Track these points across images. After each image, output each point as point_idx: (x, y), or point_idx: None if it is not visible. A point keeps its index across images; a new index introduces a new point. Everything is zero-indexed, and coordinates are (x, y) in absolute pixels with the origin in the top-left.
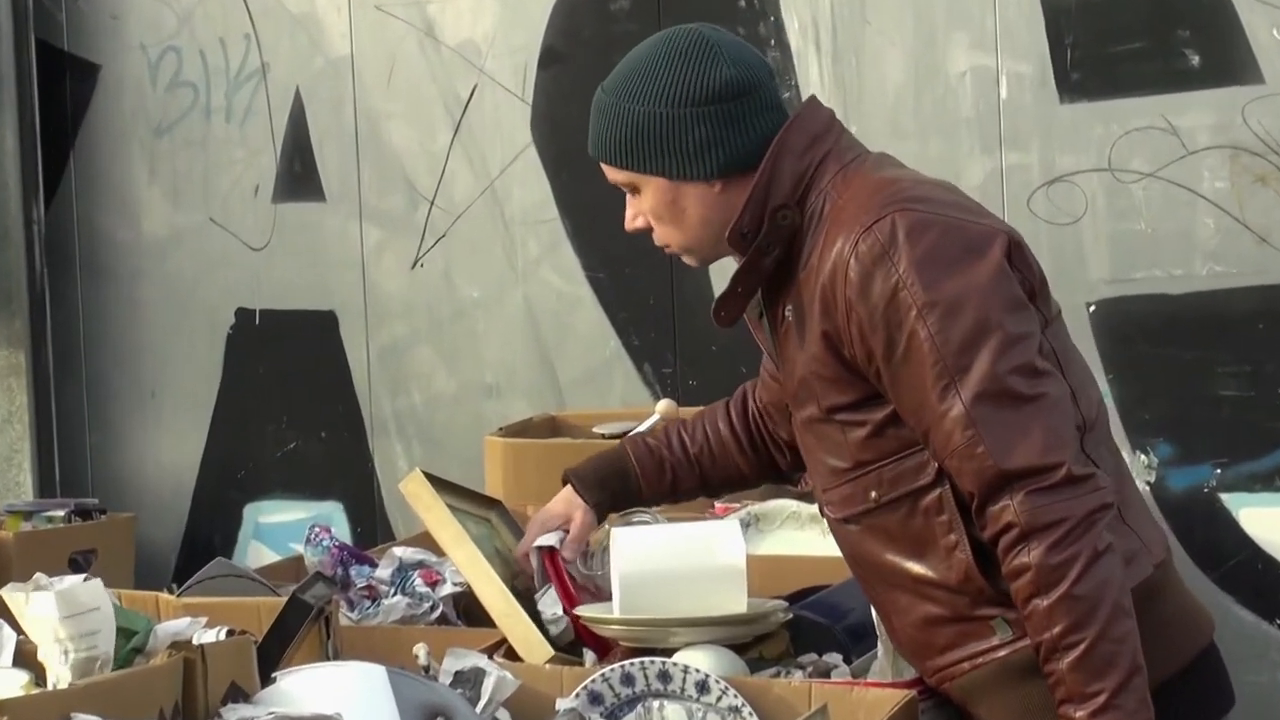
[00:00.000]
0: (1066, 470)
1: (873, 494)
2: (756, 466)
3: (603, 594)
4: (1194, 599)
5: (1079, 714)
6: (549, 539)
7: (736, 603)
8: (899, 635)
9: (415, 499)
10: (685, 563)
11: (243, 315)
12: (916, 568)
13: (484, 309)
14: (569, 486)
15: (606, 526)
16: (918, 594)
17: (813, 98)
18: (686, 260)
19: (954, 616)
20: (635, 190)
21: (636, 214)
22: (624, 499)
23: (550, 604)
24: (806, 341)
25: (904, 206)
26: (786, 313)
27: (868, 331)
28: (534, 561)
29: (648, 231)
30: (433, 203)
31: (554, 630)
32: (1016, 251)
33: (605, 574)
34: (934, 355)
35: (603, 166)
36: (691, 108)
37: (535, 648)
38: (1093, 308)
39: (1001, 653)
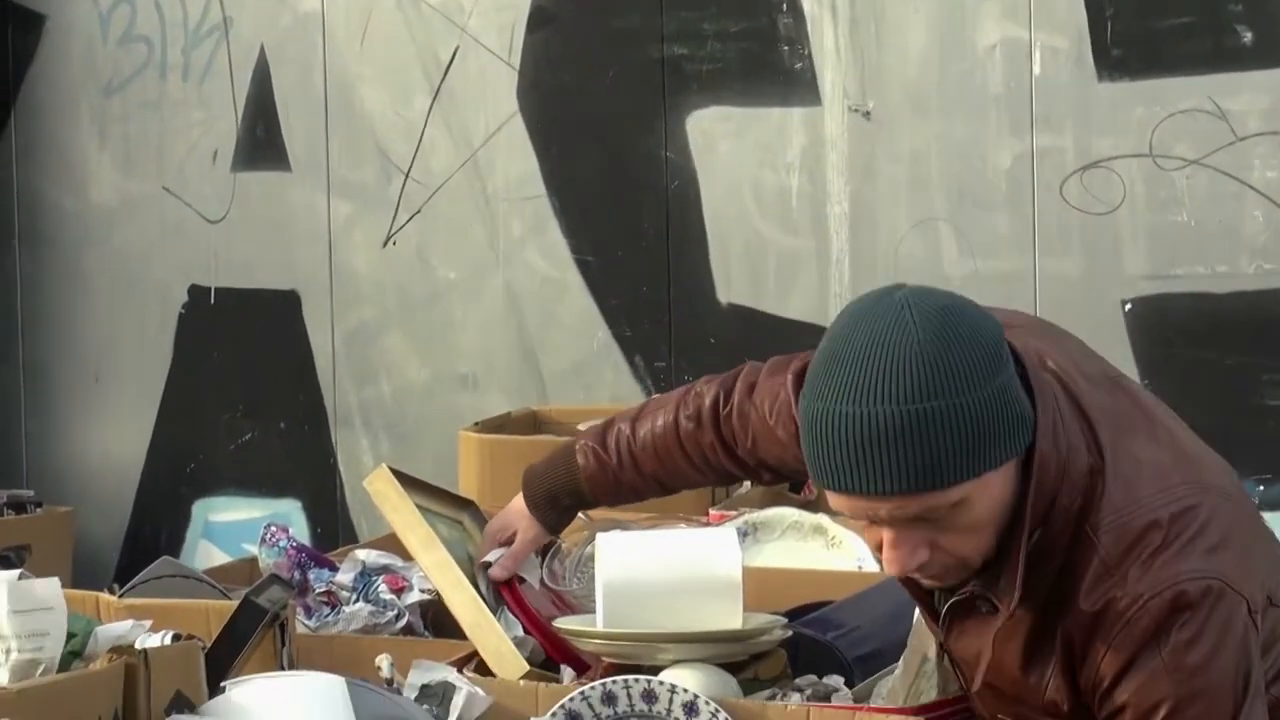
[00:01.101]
0: None
1: None
2: (717, 480)
3: (573, 610)
4: None
5: None
6: (494, 556)
7: (730, 618)
8: None
9: (381, 498)
10: (676, 574)
11: (197, 293)
12: None
13: (461, 293)
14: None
15: (587, 533)
16: None
17: (1038, 375)
18: (951, 579)
19: None
20: (958, 506)
21: (922, 542)
22: (578, 509)
23: (511, 624)
24: (1035, 662)
25: (1178, 578)
26: (980, 605)
27: (1113, 709)
28: (481, 582)
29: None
30: (408, 175)
31: (521, 652)
32: (1255, 611)
33: (581, 588)
34: None
35: (908, 505)
36: (1005, 371)
37: (509, 662)
38: (1129, 306)
39: None
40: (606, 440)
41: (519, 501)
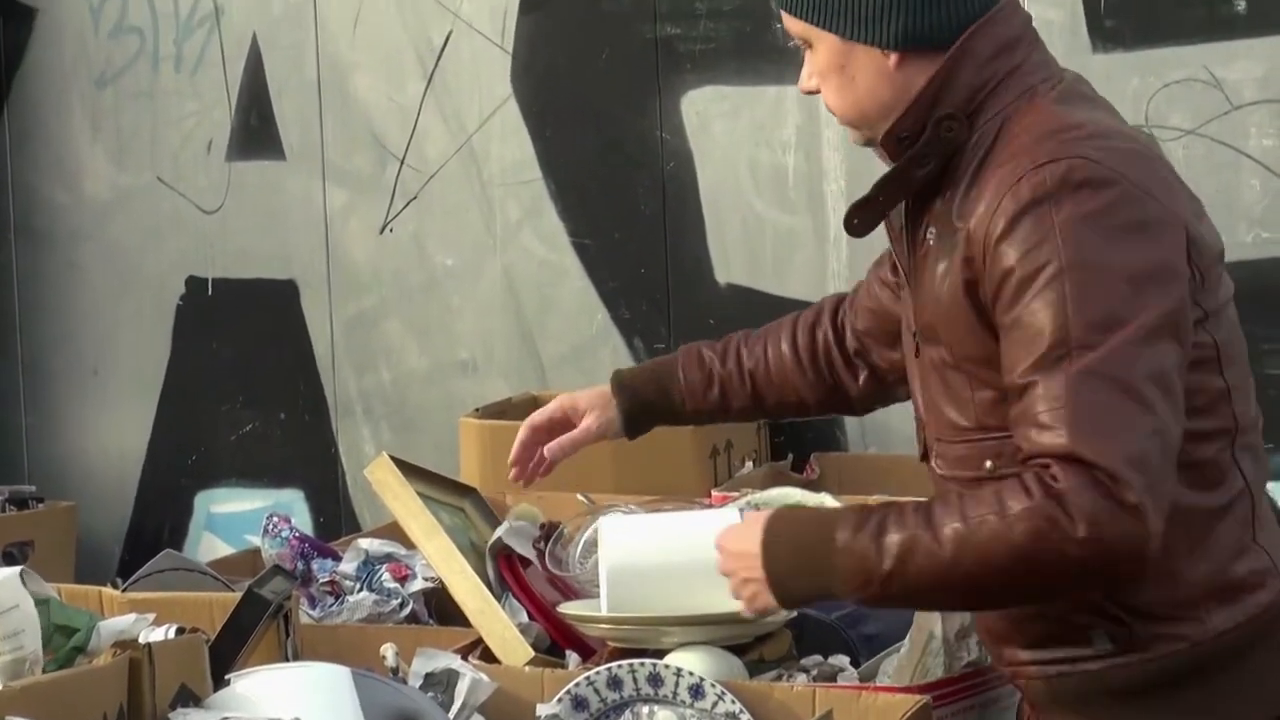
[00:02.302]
0: (1138, 500)
1: (988, 463)
2: (819, 392)
3: (577, 594)
4: None
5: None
6: (514, 540)
7: (733, 600)
8: (984, 616)
9: (382, 486)
10: (680, 556)
11: (194, 284)
12: None
13: (459, 278)
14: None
15: (589, 517)
16: None
17: (1012, 0)
18: (850, 137)
19: (1050, 614)
20: (809, 45)
21: (811, 73)
22: (660, 414)
23: (515, 610)
24: (946, 276)
25: (1085, 155)
26: (928, 235)
27: (1000, 274)
28: (489, 568)
29: (818, 94)
30: (403, 161)
31: (526, 639)
32: (1193, 247)
33: (584, 574)
34: (1059, 320)
35: (782, 15)
36: None
37: (514, 648)
38: None
39: (1093, 666)
40: (715, 343)
41: (598, 389)
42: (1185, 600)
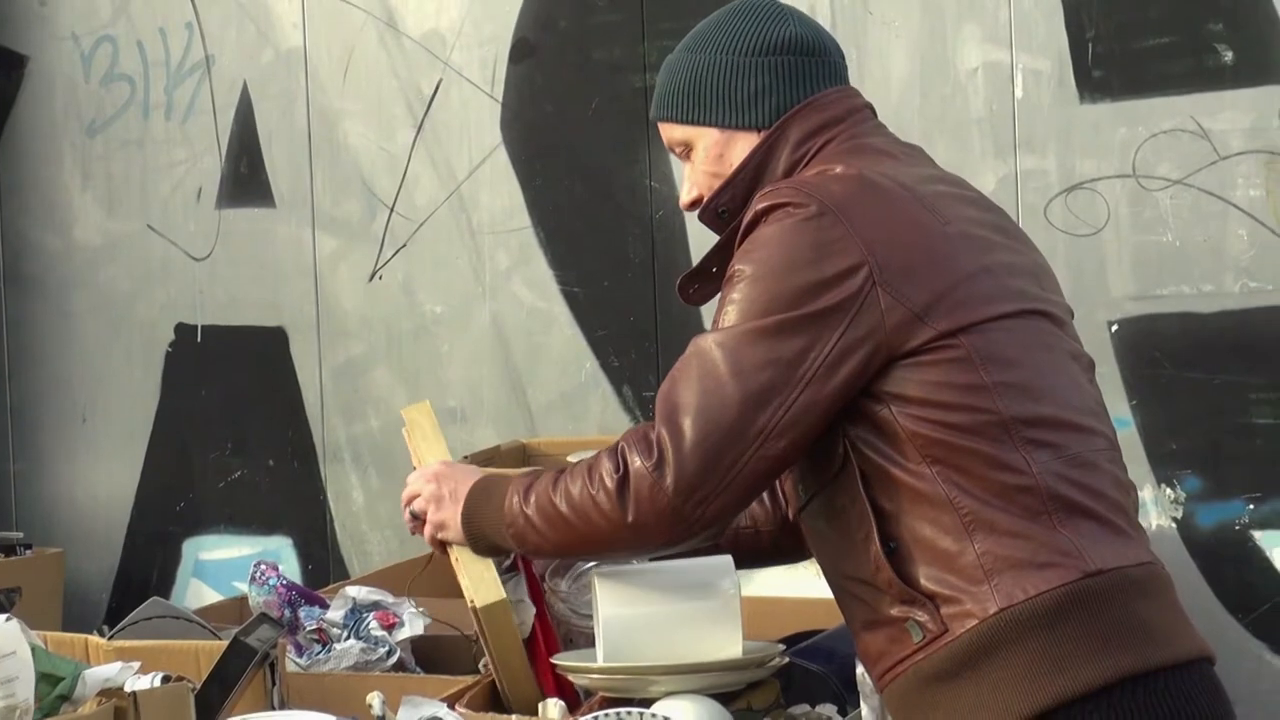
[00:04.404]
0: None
1: (800, 488)
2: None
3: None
4: (1169, 621)
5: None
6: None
7: (729, 647)
8: (859, 649)
9: (414, 425)
10: (672, 604)
11: (183, 331)
12: (845, 566)
13: (448, 326)
14: None
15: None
16: (853, 595)
17: (848, 86)
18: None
19: (879, 619)
20: (689, 152)
21: (691, 185)
22: None
23: (513, 590)
24: None
25: (786, 190)
26: None
27: None
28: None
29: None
30: (392, 209)
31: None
32: (895, 276)
33: (569, 588)
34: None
35: (662, 131)
36: (752, 56)
37: (488, 587)
38: (1115, 327)
39: (918, 657)
40: None
41: None
42: (968, 579)
